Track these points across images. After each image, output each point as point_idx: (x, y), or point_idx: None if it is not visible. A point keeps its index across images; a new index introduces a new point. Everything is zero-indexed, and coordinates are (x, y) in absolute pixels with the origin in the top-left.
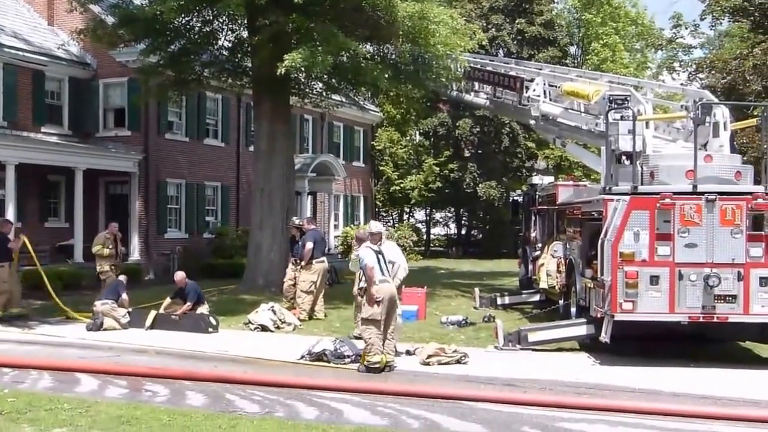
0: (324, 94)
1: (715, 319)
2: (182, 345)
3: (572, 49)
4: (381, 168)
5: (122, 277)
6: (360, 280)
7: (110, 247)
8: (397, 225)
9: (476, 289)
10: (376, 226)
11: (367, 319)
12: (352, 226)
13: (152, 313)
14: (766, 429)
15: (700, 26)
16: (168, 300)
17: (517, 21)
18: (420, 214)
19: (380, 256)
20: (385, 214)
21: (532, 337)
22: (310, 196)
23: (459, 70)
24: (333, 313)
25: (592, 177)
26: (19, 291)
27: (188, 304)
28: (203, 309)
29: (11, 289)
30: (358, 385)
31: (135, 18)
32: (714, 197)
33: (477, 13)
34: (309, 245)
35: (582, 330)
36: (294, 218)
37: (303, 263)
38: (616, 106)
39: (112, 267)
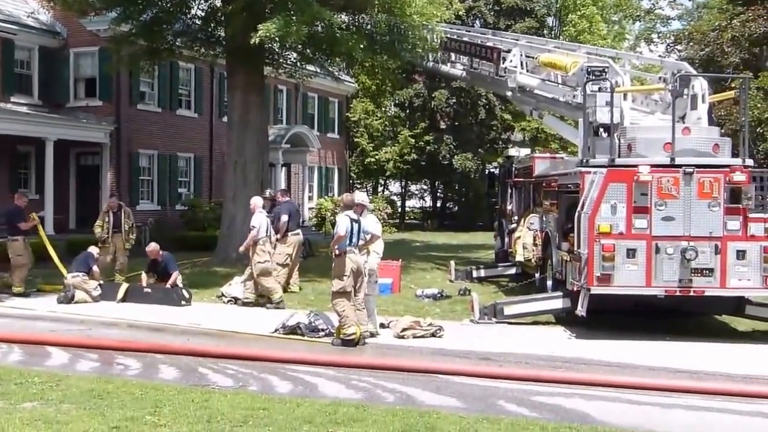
0: (298, 64)
1: (691, 293)
2: (154, 318)
3: (549, 20)
4: (356, 139)
5: (92, 249)
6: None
7: (106, 221)
8: (371, 197)
9: (452, 262)
10: (360, 197)
11: (337, 292)
12: (326, 198)
13: (124, 286)
14: (741, 402)
15: None
16: (144, 275)
17: None
18: (395, 187)
19: (355, 225)
20: (359, 186)
21: (508, 310)
22: (284, 168)
23: (435, 40)
24: (307, 285)
25: (569, 149)
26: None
27: (174, 274)
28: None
29: (28, 263)
30: (333, 358)
31: None
32: (692, 170)
33: None
34: (284, 218)
35: (558, 303)
36: (267, 190)
37: (278, 236)
38: (593, 77)
39: (108, 244)
